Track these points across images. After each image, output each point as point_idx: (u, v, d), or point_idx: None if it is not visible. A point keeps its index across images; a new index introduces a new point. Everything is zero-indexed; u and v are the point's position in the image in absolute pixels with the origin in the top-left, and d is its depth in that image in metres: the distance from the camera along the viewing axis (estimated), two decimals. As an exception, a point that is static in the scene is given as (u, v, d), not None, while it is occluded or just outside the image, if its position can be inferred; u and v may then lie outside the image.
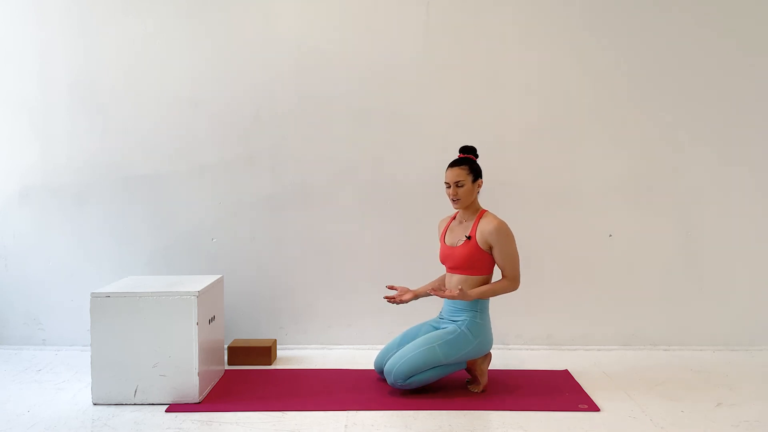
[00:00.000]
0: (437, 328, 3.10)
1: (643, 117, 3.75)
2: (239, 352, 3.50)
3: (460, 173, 3.06)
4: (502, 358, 3.56)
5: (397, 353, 3.01)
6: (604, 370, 3.38)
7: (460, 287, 2.92)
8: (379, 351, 3.32)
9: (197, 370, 2.93)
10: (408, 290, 3.19)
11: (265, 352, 3.51)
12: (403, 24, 3.74)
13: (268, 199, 3.78)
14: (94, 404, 2.92)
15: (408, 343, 3.09)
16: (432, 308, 3.48)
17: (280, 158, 3.78)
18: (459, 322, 3.01)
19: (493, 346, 3.66)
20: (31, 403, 2.95)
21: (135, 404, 2.91)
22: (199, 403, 2.93)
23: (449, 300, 3.07)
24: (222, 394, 3.05)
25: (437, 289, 2.95)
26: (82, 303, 3.68)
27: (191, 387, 2.92)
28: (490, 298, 3.08)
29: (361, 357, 3.61)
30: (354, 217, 3.78)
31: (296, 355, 3.66)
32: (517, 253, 3.05)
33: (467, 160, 3.11)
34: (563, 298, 3.79)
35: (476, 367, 3.05)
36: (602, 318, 3.78)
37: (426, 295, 3.16)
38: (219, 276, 3.34)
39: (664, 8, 3.72)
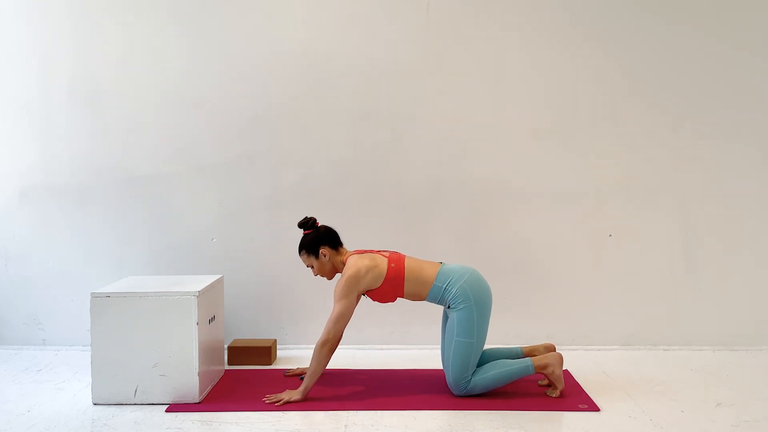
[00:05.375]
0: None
1: (643, 117, 3.75)
2: (239, 352, 3.50)
3: (303, 260, 3.10)
4: (502, 358, 3.56)
5: (444, 366, 2.99)
6: (604, 370, 3.38)
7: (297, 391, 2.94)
8: (380, 351, 3.52)
9: (197, 370, 2.93)
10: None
11: (265, 352, 3.51)
12: (403, 24, 3.74)
13: (268, 199, 3.78)
14: (94, 404, 2.92)
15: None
16: (427, 307, 3.48)
17: (280, 158, 3.78)
18: (452, 306, 2.96)
19: (494, 345, 3.67)
20: (31, 403, 2.95)
21: (135, 404, 2.91)
22: (199, 403, 2.93)
23: (430, 300, 3.05)
24: (222, 394, 3.05)
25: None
26: (82, 303, 3.68)
27: (191, 387, 2.92)
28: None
29: (361, 357, 3.62)
30: (354, 217, 3.77)
31: (296, 355, 3.66)
32: (339, 303, 2.92)
33: (301, 243, 3.08)
34: (563, 298, 3.79)
35: (549, 374, 2.96)
36: (602, 318, 3.79)
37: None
38: (219, 276, 3.34)
39: (664, 9, 3.72)
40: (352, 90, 3.75)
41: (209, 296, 3.11)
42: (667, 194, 3.77)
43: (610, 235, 3.78)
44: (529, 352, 3.15)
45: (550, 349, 3.16)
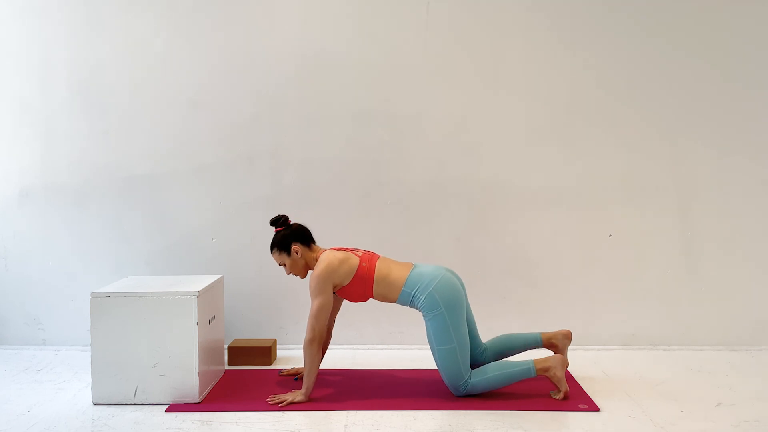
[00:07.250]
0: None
1: (643, 116, 3.75)
2: (239, 352, 3.50)
3: (275, 257, 3.07)
4: (502, 358, 3.56)
5: (439, 371, 2.97)
6: (604, 370, 3.38)
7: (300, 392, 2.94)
8: (380, 351, 3.50)
9: (197, 370, 2.93)
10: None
11: (265, 352, 3.51)
12: (403, 24, 3.74)
13: (268, 199, 3.78)
14: (94, 404, 2.92)
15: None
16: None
17: (280, 158, 3.78)
18: (423, 314, 2.95)
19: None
20: (31, 403, 2.95)
21: (135, 404, 2.91)
22: (199, 403, 2.93)
23: (401, 304, 3.04)
24: (222, 394, 3.05)
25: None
26: (82, 303, 3.68)
27: (191, 387, 2.92)
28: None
29: (361, 357, 3.62)
30: (354, 217, 3.77)
31: (296, 355, 3.65)
32: (317, 298, 2.91)
33: (273, 241, 3.05)
34: (563, 298, 3.78)
35: (551, 376, 2.93)
36: (602, 318, 3.78)
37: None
38: (219, 276, 3.34)
39: (664, 8, 3.72)
40: (352, 89, 3.75)
41: (209, 296, 3.11)
42: (667, 194, 3.77)
43: (610, 235, 3.78)
44: (548, 339, 3.15)
45: (567, 336, 3.17)
